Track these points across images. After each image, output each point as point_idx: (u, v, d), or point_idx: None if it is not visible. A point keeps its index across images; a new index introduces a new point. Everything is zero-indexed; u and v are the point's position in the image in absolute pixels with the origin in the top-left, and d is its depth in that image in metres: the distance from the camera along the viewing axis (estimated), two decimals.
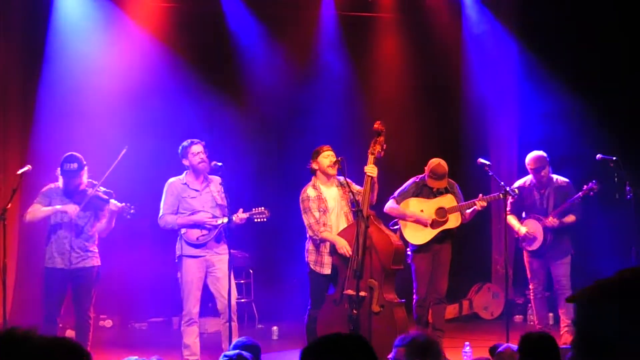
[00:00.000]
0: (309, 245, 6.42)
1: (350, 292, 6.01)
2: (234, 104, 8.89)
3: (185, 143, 6.52)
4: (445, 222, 6.86)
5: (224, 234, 6.44)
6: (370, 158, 6.26)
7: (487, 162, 6.96)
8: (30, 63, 8.28)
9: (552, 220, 7.06)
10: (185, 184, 6.50)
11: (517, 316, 9.06)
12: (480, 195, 6.86)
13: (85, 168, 6.28)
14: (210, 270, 6.46)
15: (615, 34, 8.76)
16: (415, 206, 6.91)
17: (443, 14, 9.49)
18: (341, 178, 6.42)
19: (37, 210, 6.26)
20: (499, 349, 4.14)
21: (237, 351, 3.53)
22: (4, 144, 8.09)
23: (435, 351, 3.64)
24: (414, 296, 7.04)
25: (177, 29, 8.83)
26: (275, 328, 8.24)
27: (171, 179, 6.57)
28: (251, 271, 8.98)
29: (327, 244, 6.31)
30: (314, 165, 6.44)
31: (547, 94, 9.18)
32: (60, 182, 6.30)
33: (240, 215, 6.38)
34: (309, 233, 6.38)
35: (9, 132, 8.15)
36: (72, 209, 6.20)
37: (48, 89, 8.25)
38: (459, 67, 9.60)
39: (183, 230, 6.47)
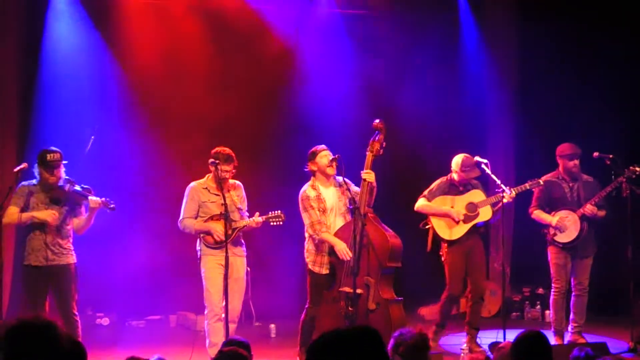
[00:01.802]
0: (308, 245, 6.40)
1: (346, 289, 6.00)
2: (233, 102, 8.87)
3: (222, 152, 6.35)
4: (476, 216, 6.97)
5: (241, 236, 6.48)
6: (369, 156, 6.21)
7: (485, 160, 6.96)
8: (28, 61, 8.25)
9: (590, 208, 6.93)
10: (206, 188, 6.48)
11: (514, 313, 9.07)
12: (508, 187, 6.85)
13: (63, 162, 6.13)
14: (228, 270, 6.44)
15: (614, 29, 8.76)
16: (445, 204, 6.98)
17: (440, 11, 9.47)
18: (340, 178, 6.40)
19: (14, 215, 6.04)
20: (500, 344, 4.15)
21: (232, 347, 3.52)
22: (1, 142, 8.07)
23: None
24: (446, 292, 7.04)
25: (175, 28, 8.82)
26: (272, 326, 8.23)
27: (192, 183, 6.52)
28: (248, 269, 8.95)
29: (326, 244, 6.29)
30: (312, 167, 6.42)
31: (547, 93, 9.20)
32: (35, 180, 6.15)
33: (256, 219, 6.39)
34: (309, 232, 6.34)
35: (6, 130, 8.12)
36: (52, 217, 6.03)
37: (46, 87, 8.23)
38: (457, 66, 9.60)
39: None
